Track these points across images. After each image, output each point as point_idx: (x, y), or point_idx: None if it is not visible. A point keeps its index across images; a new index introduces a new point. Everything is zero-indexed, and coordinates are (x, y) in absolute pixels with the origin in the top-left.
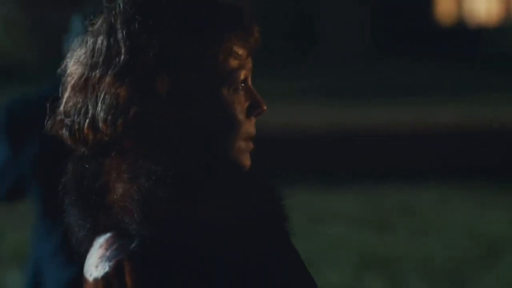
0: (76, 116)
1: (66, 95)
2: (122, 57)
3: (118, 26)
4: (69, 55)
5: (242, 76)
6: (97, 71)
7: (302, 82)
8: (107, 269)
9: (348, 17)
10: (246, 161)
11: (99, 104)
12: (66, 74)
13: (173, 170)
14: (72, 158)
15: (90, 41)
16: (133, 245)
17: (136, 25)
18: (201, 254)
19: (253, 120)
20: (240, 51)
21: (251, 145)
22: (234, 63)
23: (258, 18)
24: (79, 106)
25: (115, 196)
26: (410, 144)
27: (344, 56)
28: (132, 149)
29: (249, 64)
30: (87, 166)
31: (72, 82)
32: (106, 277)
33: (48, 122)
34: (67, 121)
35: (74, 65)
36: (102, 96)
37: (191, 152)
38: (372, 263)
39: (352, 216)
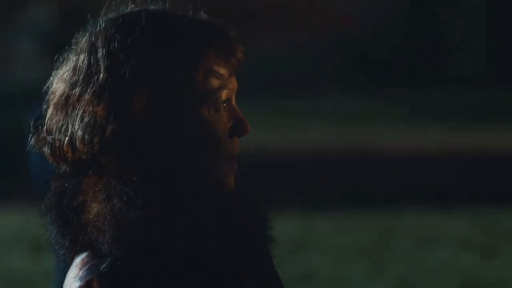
0: (57, 134)
1: (49, 112)
2: (101, 75)
3: (99, 45)
4: (53, 72)
5: (223, 96)
6: (77, 89)
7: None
8: None
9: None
10: (229, 181)
11: (77, 122)
12: (49, 92)
13: (144, 191)
14: (54, 176)
15: (73, 59)
16: (104, 265)
17: (116, 44)
18: (172, 276)
19: (237, 140)
20: (222, 71)
21: (234, 165)
22: (215, 82)
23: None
24: (60, 124)
25: (90, 216)
26: None
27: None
28: (108, 169)
29: (232, 84)
30: (66, 184)
31: (54, 99)
32: None
33: (32, 139)
34: (49, 138)
35: (57, 83)
36: (80, 114)
37: (165, 173)
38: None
39: (461, 240)
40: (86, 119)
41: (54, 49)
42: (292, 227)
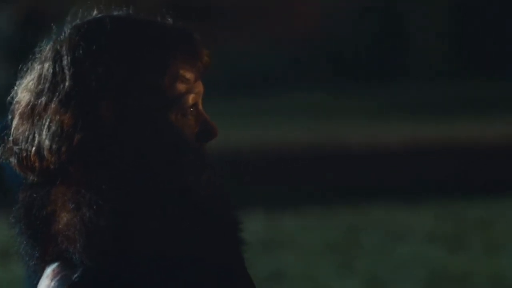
0: (24, 144)
1: (14, 122)
2: (67, 83)
3: (64, 53)
4: (17, 82)
5: (190, 101)
6: (43, 98)
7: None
8: None
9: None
10: (200, 184)
11: (44, 132)
12: (14, 102)
13: (113, 198)
14: (23, 187)
15: (37, 67)
16: (76, 275)
17: (81, 52)
18: (145, 283)
19: (205, 145)
20: (188, 75)
21: (204, 168)
22: (181, 87)
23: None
24: (26, 133)
25: (60, 226)
26: (492, 157)
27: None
28: (77, 178)
29: (198, 88)
30: (35, 195)
31: (20, 109)
32: None
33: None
34: (16, 148)
35: (21, 92)
36: (47, 123)
37: (134, 180)
38: (443, 280)
39: (428, 233)
40: (53, 128)
41: (15, 57)
42: (259, 226)
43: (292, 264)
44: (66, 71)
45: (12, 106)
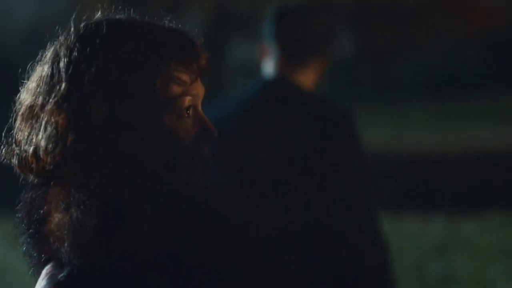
0: (23, 145)
1: (17, 124)
2: (63, 85)
3: (61, 55)
4: (24, 83)
5: (186, 103)
6: (41, 100)
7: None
8: None
9: None
10: (197, 185)
11: (41, 133)
12: (17, 103)
13: (102, 199)
14: (25, 187)
15: (39, 69)
16: (61, 274)
17: (76, 54)
18: (132, 283)
19: (204, 146)
20: (183, 77)
21: (203, 169)
22: (176, 89)
23: None
24: (26, 134)
25: (52, 226)
26: None
27: None
28: (70, 178)
29: (196, 90)
30: (34, 195)
31: (21, 111)
32: None
33: (3, 150)
34: (17, 149)
35: (24, 94)
36: (44, 124)
37: (123, 181)
38: None
39: None
40: (49, 129)
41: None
42: (438, 229)
43: (465, 267)
44: (63, 73)
45: (15, 107)
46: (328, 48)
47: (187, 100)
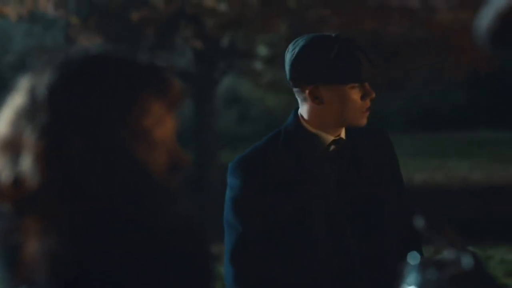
0: (2, 174)
1: None
2: (41, 116)
3: (38, 86)
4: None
5: (159, 134)
6: (18, 130)
7: None
8: None
9: None
10: (170, 212)
11: (20, 162)
12: None
13: (79, 227)
14: (2, 215)
15: (15, 99)
16: None
17: (54, 86)
18: None
19: (178, 174)
20: (156, 110)
21: (173, 197)
22: (149, 121)
23: None
24: (4, 164)
25: (28, 252)
26: None
27: None
28: (48, 207)
29: (169, 121)
30: (10, 222)
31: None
32: None
33: None
34: None
35: (1, 124)
36: (22, 154)
37: (99, 211)
38: None
39: None
40: (27, 159)
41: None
42: None
43: None
44: (40, 105)
45: None
46: None
47: (160, 131)
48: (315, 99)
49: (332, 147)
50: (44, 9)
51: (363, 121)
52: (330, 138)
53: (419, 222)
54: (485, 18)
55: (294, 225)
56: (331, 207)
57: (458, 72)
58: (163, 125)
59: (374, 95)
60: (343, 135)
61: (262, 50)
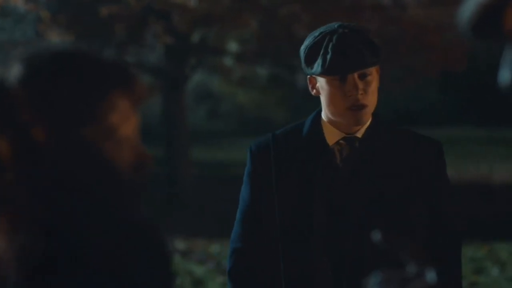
0: None
1: None
2: (9, 110)
3: (7, 80)
4: None
5: (124, 129)
6: None
7: None
8: None
9: None
10: (137, 209)
11: None
12: None
13: (46, 223)
14: None
15: None
16: None
17: (21, 80)
18: None
19: (142, 171)
20: (123, 107)
21: (138, 195)
22: (116, 118)
23: None
24: None
25: (0, 252)
26: None
27: None
28: (16, 203)
29: (133, 119)
30: None
31: None
32: None
33: None
34: None
35: None
36: None
37: (67, 206)
38: None
39: None
40: None
41: None
42: None
43: None
44: (6, 99)
45: None
46: None
47: (126, 128)
48: (312, 89)
49: (341, 143)
50: (15, 3)
51: (351, 120)
52: (339, 134)
53: (376, 236)
54: (467, 10)
55: (294, 216)
56: (331, 200)
57: (431, 71)
58: (129, 121)
59: (357, 93)
60: (359, 134)
61: (233, 46)
